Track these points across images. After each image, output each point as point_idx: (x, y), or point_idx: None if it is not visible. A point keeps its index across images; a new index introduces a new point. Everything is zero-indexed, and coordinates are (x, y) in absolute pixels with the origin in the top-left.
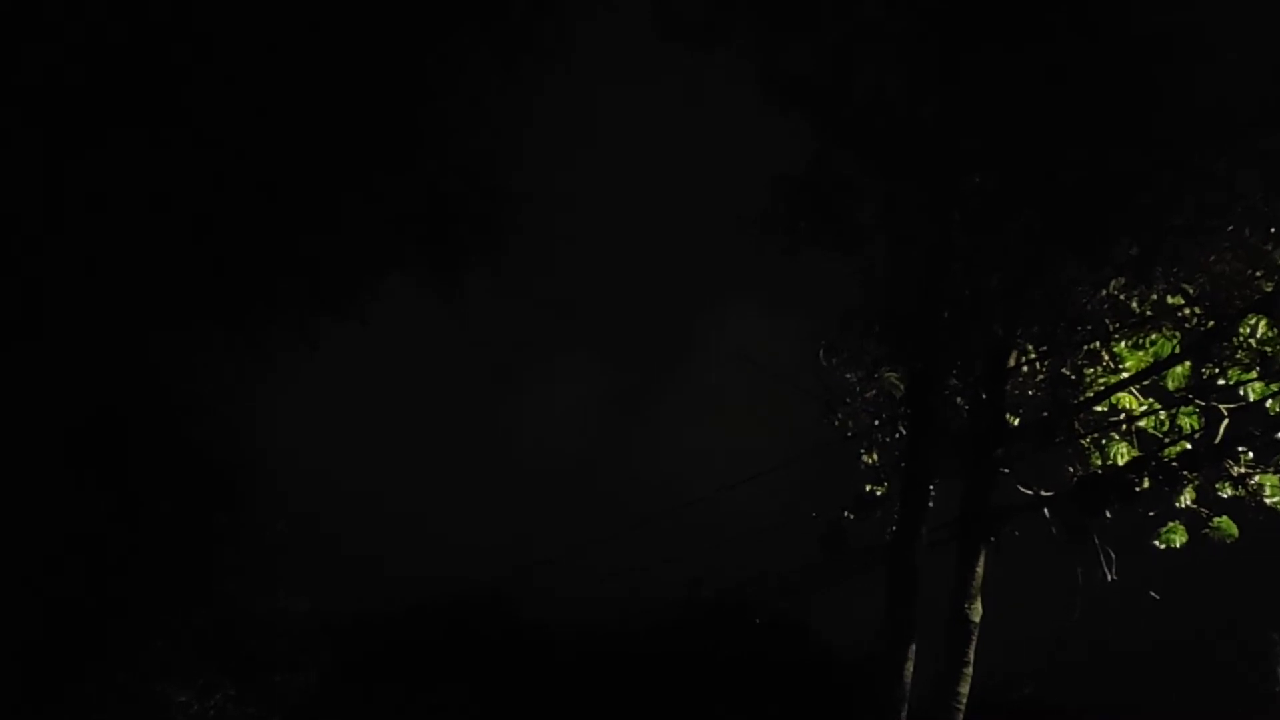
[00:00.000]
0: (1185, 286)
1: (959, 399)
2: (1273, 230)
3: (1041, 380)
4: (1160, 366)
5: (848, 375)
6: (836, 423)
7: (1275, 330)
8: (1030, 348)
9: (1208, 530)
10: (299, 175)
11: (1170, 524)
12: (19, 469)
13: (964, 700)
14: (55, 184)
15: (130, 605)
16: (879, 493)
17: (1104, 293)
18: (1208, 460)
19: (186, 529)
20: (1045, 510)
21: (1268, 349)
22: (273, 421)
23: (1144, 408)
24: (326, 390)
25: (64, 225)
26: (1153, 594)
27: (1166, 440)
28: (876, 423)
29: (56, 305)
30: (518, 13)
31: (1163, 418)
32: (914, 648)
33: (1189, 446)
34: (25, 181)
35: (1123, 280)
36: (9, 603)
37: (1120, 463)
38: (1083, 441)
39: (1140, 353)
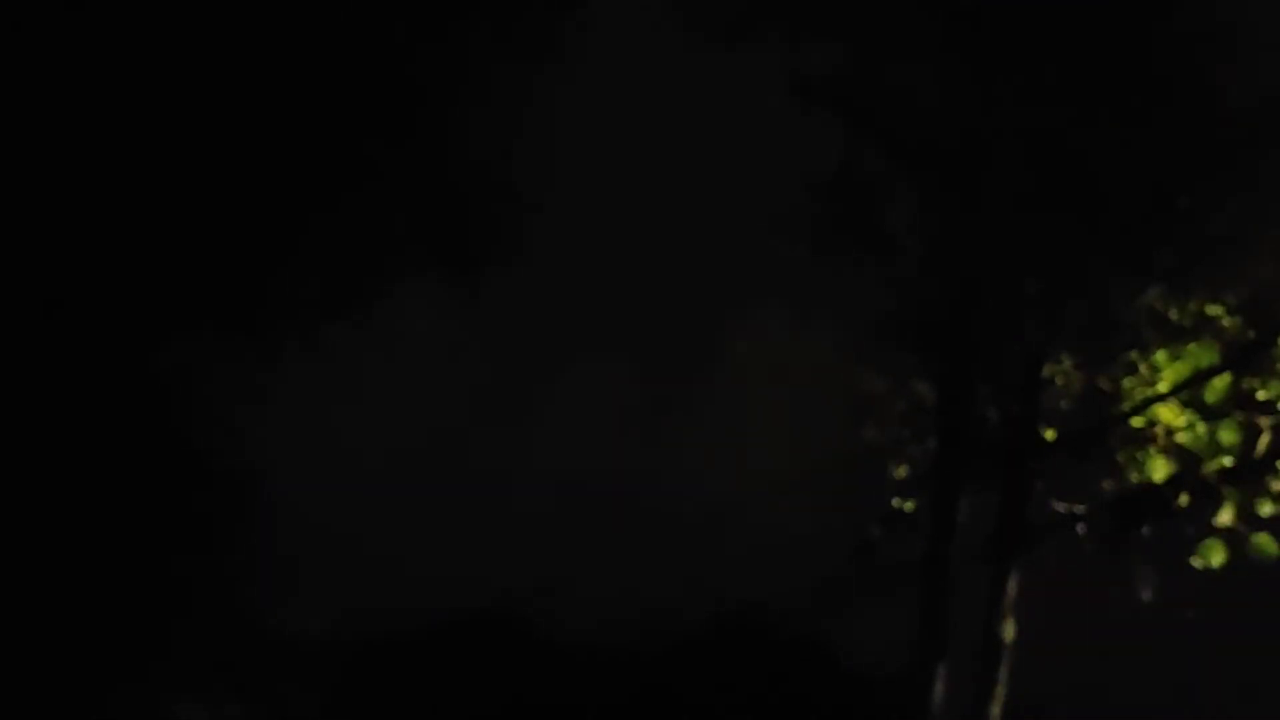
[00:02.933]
0: (1226, 296)
1: (992, 410)
2: None
3: (1077, 392)
4: (1200, 378)
5: (876, 385)
6: (864, 434)
7: None
8: (1066, 358)
9: (1248, 549)
10: (306, 174)
11: (1209, 541)
12: (21, 481)
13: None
14: (56, 184)
15: (138, 621)
16: (908, 507)
17: (1142, 302)
18: (1247, 476)
19: (195, 544)
20: (1080, 527)
21: None
22: (283, 431)
23: (1183, 421)
24: (339, 398)
25: (65, 227)
26: (1189, 613)
27: (1206, 455)
28: (906, 434)
29: (56, 310)
30: (535, 8)
31: (1201, 432)
32: (944, 668)
33: (1227, 462)
34: (26, 181)
35: (1161, 289)
36: (13, 618)
37: (1158, 478)
38: (1119, 456)
39: (1178, 364)
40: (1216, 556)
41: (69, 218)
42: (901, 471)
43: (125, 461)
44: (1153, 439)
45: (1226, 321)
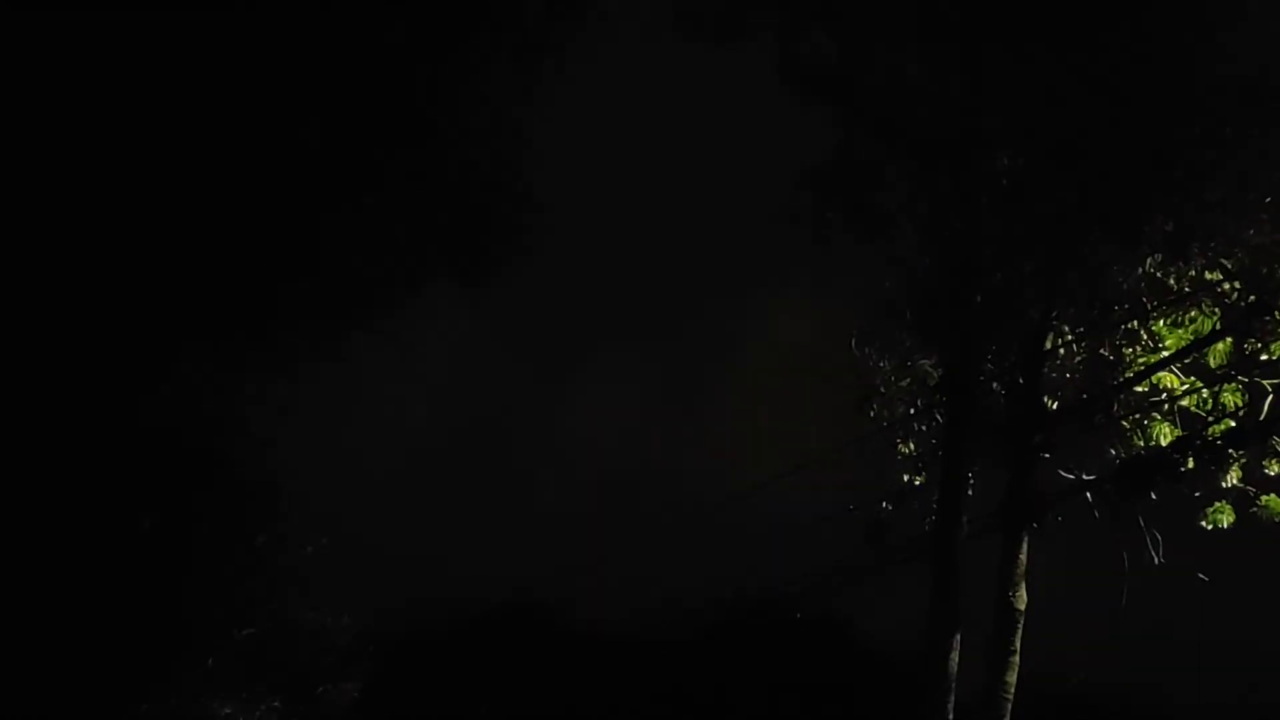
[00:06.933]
0: (1223, 261)
1: (995, 385)
2: None
3: (1080, 362)
4: (1201, 344)
5: (881, 364)
6: (871, 413)
7: None
8: (1067, 330)
9: (1255, 509)
10: (322, 186)
11: (1217, 504)
12: (56, 491)
13: (1011, 690)
14: (84, 200)
15: (173, 623)
16: (918, 482)
17: (1140, 271)
18: (1253, 438)
19: (226, 547)
20: (1088, 494)
21: None
22: (308, 436)
23: (1185, 386)
24: (361, 402)
25: (94, 242)
26: (1201, 576)
27: (1210, 419)
28: (912, 412)
29: (87, 323)
30: (534, 15)
31: (1205, 396)
32: (959, 638)
33: (1233, 424)
34: (54, 197)
35: (1159, 258)
36: (52, 624)
37: (1163, 443)
38: (1124, 423)
39: (1180, 331)
40: (1225, 518)
41: (89, 233)
42: (909, 448)
43: (160, 473)
44: (1157, 405)
45: (1226, 286)
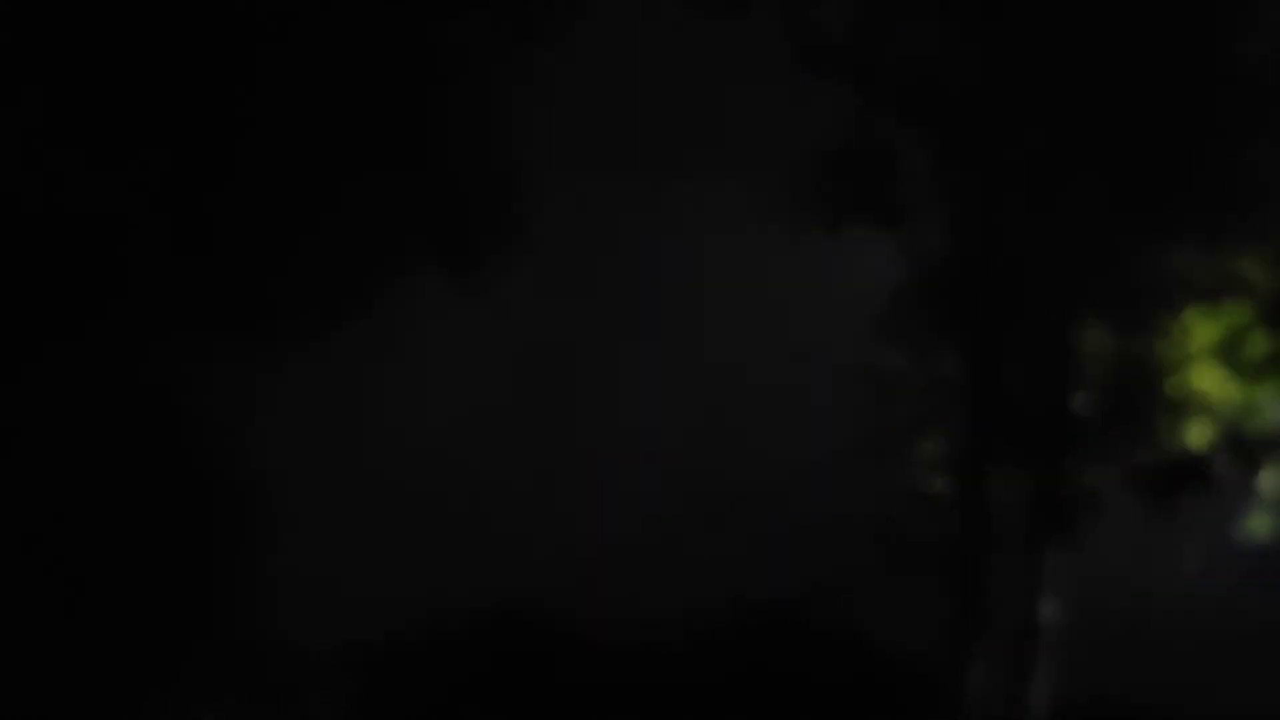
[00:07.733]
0: (1259, 252)
1: (1021, 382)
2: None
3: (1108, 360)
4: (1235, 338)
5: (899, 362)
6: (889, 412)
7: None
8: (1095, 325)
9: None
10: (304, 173)
11: (1254, 511)
12: (44, 492)
13: (1034, 700)
14: (70, 191)
15: (157, 633)
16: (939, 484)
17: (1172, 262)
18: None
19: (209, 555)
20: (1117, 497)
21: None
22: (308, 435)
23: (1220, 384)
24: (358, 399)
25: (82, 234)
26: (1230, 580)
27: (1245, 418)
28: (932, 410)
29: (78, 318)
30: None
31: (1240, 394)
32: (980, 647)
33: (1268, 424)
34: (27, 186)
35: (1191, 248)
36: (32, 633)
37: (1196, 444)
38: (1155, 423)
39: (1212, 324)
40: (1262, 525)
41: (82, 227)
42: (929, 448)
43: (135, 473)
44: (1189, 404)
45: (1260, 278)
